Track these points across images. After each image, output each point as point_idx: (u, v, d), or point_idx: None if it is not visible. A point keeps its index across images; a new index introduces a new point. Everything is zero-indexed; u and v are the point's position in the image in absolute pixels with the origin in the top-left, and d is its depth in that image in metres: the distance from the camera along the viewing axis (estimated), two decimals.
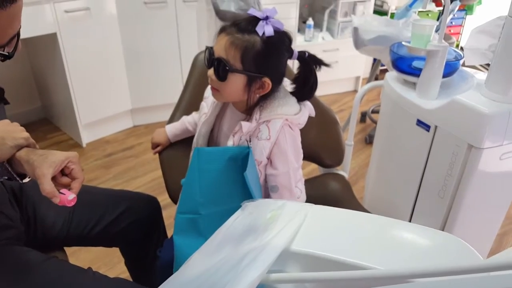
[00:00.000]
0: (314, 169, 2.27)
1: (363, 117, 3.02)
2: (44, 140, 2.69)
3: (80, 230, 1.13)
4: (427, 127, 1.37)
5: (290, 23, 2.91)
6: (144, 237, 1.26)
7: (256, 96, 1.03)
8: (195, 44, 2.47)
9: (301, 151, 1.11)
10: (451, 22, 3.38)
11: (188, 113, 1.39)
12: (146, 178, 2.38)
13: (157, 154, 1.38)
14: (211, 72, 1.00)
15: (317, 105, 1.50)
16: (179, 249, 1.02)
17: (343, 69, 3.25)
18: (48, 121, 2.93)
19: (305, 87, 1.06)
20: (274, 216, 0.63)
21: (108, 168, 2.47)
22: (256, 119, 1.03)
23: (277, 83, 1.04)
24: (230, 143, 1.04)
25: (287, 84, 1.12)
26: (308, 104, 1.11)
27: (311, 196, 1.25)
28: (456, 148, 1.28)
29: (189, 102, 1.44)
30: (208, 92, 1.19)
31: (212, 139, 1.18)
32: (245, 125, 1.02)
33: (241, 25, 0.97)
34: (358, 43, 1.76)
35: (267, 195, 1.12)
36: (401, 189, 1.56)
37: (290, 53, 1.02)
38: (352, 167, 2.48)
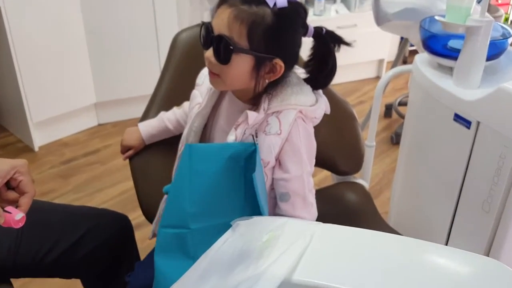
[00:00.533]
0: (326, 176, 2.27)
1: (388, 110, 3.03)
2: None
3: (31, 258, 1.13)
4: (467, 123, 1.37)
5: None
6: (112, 265, 1.27)
7: (265, 81, 1.04)
8: (175, 22, 2.49)
9: (315, 152, 1.12)
10: None
11: (166, 107, 1.39)
12: (114, 190, 2.39)
13: (128, 160, 1.39)
14: (209, 53, 1.01)
15: (330, 95, 1.50)
16: (161, 273, 1.02)
17: (363, 50, 3.25)
18: None
19: (322, 72, 1.07)
20: (272, 238, 0.63)
21: (67, 177, 2.48)
22: (264, 109, 1.04)
23: (290, 65, 1.06)
24: (231, 138, 1.04)
25: (299, 72, 1.14)
26: (323, 96, 1.13)
27: (321, 211, 1.25)
28: (504, 150, 1.29)
29: (167, 94, 1.45)
30: (201, 78, 1.20)
31: (204, 135, 1.19)
32: (252, 115, 1.03)
33: None
34: (380, 18, 1.77)
35: (272, 206, 1.13)
36: (436, 201, 1.56)
37: (305, 29, 1.03)
38: (374, 174, 2.48)
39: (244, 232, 0.69)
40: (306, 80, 1.10)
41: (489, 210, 1.37)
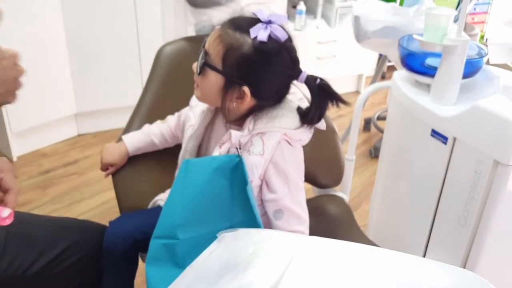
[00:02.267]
0: (307, 189, 2.29)
1: (367, 124, 3.08)
2: None
3: (12, 272, 1.12)
4: (444, 139, 1.41)
5: (276, 8, 2.96)
6: (94, 278, 1.26)
7: (232, 104, 1.08)
8: (158, 34, 2.48)
9: (303, 170, 1.15)
10: (475, 9, 3.49)
11: (150, 120, 1.40)
12: (94, 201, 2.37)
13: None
14: (195, 63, 1.09)
15: None
16: (152, 283, 1.05)
17: (343, 66, 3.31)
18: None
19: (307, 114, 1.10)
20: (258, 250, 0.65)
21: (45, 188, 2.46)
22: (249, 129, 1.08)
23: (264, 99, 1.09)
24: (216, 154, 1.09)
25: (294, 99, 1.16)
26: None
27: None
28: (479, 165, 1.33)
29: (151, 106, 1.46)
30: (195, 100, 1.24)
31: (199, 155, 1.23)
32: (235, 134, 1.07)
33: (237, 21, 1.05)
34: (360, 35, 1.81)
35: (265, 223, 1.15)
36: (413, 215, 1.59)
37: (294, 73, 1.07)
38: (354, 187, 2.52)
39: (229, 244, 0.71)
40: (300, 119, 1.11)
41: (465, 224, 1.40)
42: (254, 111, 1.10)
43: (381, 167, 1.75)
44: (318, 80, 1.08)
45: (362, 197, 2.48)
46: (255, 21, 1.03)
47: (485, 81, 1.52)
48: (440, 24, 1.37)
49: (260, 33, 1.01)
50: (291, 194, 1.10)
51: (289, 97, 1.15)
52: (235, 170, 1.06)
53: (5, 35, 2.37)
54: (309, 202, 1.60)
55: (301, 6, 3.10)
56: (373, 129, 3.06)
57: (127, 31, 2.69)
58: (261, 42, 1.01)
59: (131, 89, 2.56)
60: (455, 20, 1.70)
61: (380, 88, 1.78)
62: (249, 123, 1.09)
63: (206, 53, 1.06)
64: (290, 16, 3.22)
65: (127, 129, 1.43)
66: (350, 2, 3.17)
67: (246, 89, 1.05)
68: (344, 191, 1.77)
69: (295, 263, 0.62)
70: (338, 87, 3.72)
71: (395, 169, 1.66)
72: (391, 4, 1.81)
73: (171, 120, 1.35)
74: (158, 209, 1.21)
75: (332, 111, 3.61)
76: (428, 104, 1.44)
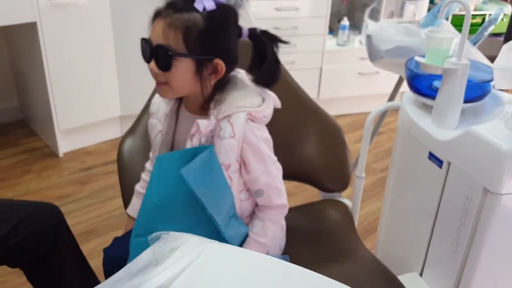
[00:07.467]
0: (314, 196, 2.28)
1: None
2: (15, 146, 2.85)
3: None
4: (439, 162, 1.40)
5: (318, 23, 2.98)
6: (46, 252, 1.35)
7: (211, 83, 1.12)
8: None
9: (271, 141, 1.20)
10: None
11: None
12: None
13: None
14: (152, 65, 1.09)
15: (321, 116, 1.57)
16: None
17: (385, 82, 3.27)
18: (25, 123, 3.13)
19: (261, 66, 1.13)
20: (173, 249, 0.71)
21: (84, 184, 2.61)
22: (214, 115, 1.12)
23: (230, 65, 1.13)
24: (188, 147, 1.13)
25: (244, 76, 1.20)
26: (271, 94, 1.20)
27: (300, 226, 1.28)
28: (470, 191, 1.31)
29: None
30: (154, 107, 1.27)
31: None
32: (203, 123, 1.11)
33: (177, 4, 1.06)
34: (373, 55, 1.81)
35: (250, 204, 1.21)
36: (412, 236, 1.58)
37: (239, 30, 1.11)
38: (375, 210, 2.49)
39: (158, 244, 0.77)
40: (254, 80, 1.15)
41: (457, 251, 1.38)
42: (216, 95, 1.12)
43: (388, 188, 1.75)
44: (258, 30, 1.12)
45: None
46: None
47: (494, 106, 1.49)
48: (442, 46, 1.36)
49: (206, 3, 1.04)
50: (267, 169, 1.15)
51: (242, 77, 1.18)
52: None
53: (58, 43, 2.57)
54: (312, 205, 1.63)
55: (345, 22, 3.11)
56: None
57: None
58: (211, 11, 1.05)
59: None
60: (475, 43, 1.68)
61: (390, 108, 1.79)
62: (213, 109, 1.12)
63: (166, 46, 1.04)
64: (334, 31, 3.24)
65: (131, 130, 1.52)
66: (395, 18, 3.15)
67: (218, 61, 1.08)
68: (354, 201, 1.76)
69: (193, 267, 0.67)
70: (380, 104, 3.63)
71: (398, 190, 1.66)
72: (403, 24, 1.81)
73: (148, 164, 1.39)
74: None
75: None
76: (427, 126, 1.43)
